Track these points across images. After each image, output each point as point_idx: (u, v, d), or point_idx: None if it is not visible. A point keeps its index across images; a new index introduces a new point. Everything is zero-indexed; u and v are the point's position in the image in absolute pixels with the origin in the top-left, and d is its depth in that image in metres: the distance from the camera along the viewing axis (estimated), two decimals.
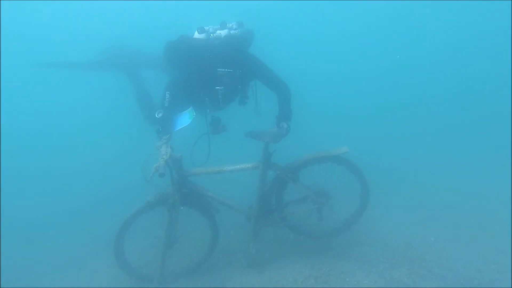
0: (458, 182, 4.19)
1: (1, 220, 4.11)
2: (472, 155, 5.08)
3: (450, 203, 3.69)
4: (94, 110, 8.50)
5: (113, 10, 9.62)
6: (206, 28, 2.54)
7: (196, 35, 2.54)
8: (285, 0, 10.14)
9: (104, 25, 8.78)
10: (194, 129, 2.54)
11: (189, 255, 2.72)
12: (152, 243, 3.00)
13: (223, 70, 2.41)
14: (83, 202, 4.71)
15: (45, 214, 4.47)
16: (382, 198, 3.66)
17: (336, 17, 10.98)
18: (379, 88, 9.71)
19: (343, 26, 11.11)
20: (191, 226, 2.63)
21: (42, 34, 9.63)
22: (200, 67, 2.46)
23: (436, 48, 10.14)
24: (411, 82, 9.68)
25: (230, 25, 2.54)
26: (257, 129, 2.50)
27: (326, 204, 2.65)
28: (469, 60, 9.58)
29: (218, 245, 2.67)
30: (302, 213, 2.70)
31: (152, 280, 2.57)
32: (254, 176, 2.52)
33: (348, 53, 10.88)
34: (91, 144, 7.22)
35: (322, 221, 2.67)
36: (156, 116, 2.38)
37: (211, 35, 2.50)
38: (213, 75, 2.44)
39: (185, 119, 2.51)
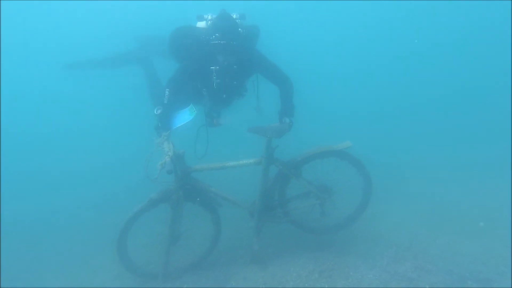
0: (461, 177, 4.18)
1: (1, 220, 4.11)
2: (475, 151, 5.07)
3: (453, 197, 3.67)
4: (95, 109, 8.55)
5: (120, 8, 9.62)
6: (206, 16, 2.55)
7: (199, 24, 2.56)
8: (290, 0, 10.21)
9: (112, 22, 8.81)
10: (192, 123, 2.55)
11: (192, 251, 2.72)
12: (154, 240, 3.00)
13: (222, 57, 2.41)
14: (85, 200, 4.72)
15: (48, 212, 4.48)
16: (385, 193, 3.66)
17: (343, 15, 11.02)
18: (381, 85, 9.73)
19: (348, 26, 11.17)
20: (193, 222, 2.62)
21: (45, 33, 9.70)
22: (200, 55, 2.47)
23: (437, 48, 10.16)
24: (412, 81, 9.71)
25: (234, 15, 2.55)
26: (259, 124, 2.50)
27: (328, 199, 2.64)
28: (469, 60, 9.60)
29: (220, 239, 2.68)
30: (305, 209, 2.69)
31: (156, 277, 2.57)
32: (257, 171, 2.52)
33: (349, 53, 10.92)
34: (93, 143, 7.24)
35: (324, 216, 2.67)
36: (155, 112, 2.39)
37: (209, 22, 2.51)
38: (211, 60, 2.45)
39: (186, 116, 2.52)
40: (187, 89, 2.60)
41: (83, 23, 9.80)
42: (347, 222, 2.85)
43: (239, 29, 2.42)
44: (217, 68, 2.45)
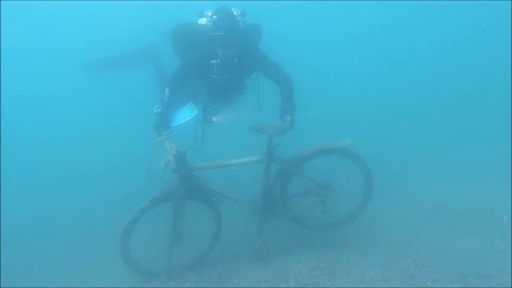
0: (461, 175, 4.17)
1: (1, 220, 4.14)
2: (476, 149, 5.06)
3: (453, 195, 3.67)
4: (97, 109, 8.59)
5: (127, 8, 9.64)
6: (206, 12, 2.57)
7: (200, 21, 2.58)
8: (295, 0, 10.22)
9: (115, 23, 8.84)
10: (190, 120, 2.56)
11: (195, 248, 2.74)
12: (156, 238, 3.02)
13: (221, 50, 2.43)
14: (88, 198, 4.76)
15: (53, 211, 4.52)
16: (385, 190, 3.66)
17: (347, 15, 11.03)
18: (384, 84, 9.74)
19: (351, 26, 11.19)
20: (194, 220, 2.64)
21: (45, 34, 9.73)
22: (200, 50, 2.49)
23: (437, 48, 10.16)
24: (413, 80, 9.71)
25: (235, 12, 2.57)
26: (261, 123, 2.51)
27: (330, 197, 2.65)
28: (469, 60, 9.58)
29: (222, 236, 2.70)
30: (306, 206, 2.71)
31: (159, 275, 2.60)
32: (258, 169, 2.53)
33: (348, 53, 10.93)
34: (96, 143, 7.29)
35: (326, 213, 2.68)
36: (155, 111, 2.41)
37: (209, 18, 2.54)
38: (211, 54, 2.46)
39: (185, 114, 2.53)
40: (187, 86, 2.62)
41: (88, 23, 9.83)
42: (348, 219, 2.86)
43: (239, 24, 2.43)
44: (218, 62, 2.46)
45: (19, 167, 6.20)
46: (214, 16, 2.46)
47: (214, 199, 2.56)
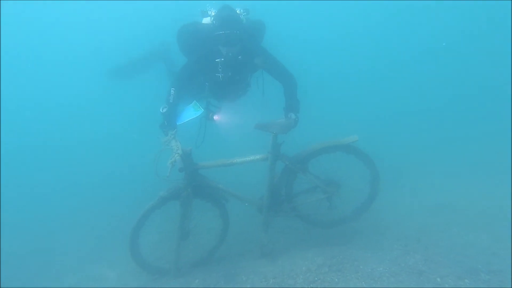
0: (465, 171, 4.11)
1: (1, 220, 4.23)
2: (479, 147, 4.98)
3: (461, 189, 3.63)
4: (104, 110, 8.70)
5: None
6: (209, 12, 2.59)
7: (204, 20, 2.60)
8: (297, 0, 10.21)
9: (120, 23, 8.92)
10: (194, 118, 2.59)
11: (202, 246, 2.77)
12: (164, 236, 3.06)
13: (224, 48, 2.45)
14: (97, 199, 4.83)
15: (61, 211, 4.62)
16: (390, 186, 3.63)
17: (352, 13, 10.99)
18: (387, 83, 9.68)
19: (352, 25, 11.14)
20: (201, 218, 2.67)
21: (46, 33, 9.85)
22: (205, 49, 2.51)
23: (437, 48, 10.07)
24: (414, 80, 9.63)
25: (238, 10, 2.58)
26: (265, 121, 2.52)
27: (336, 193, 2.65)
28: (469, 60, 9.46)
29: (229, 233, 2.72)
30: (312, 203, 2.70)
31: (167, 272, 2.63)
32: (264, 167, 2.53)
33: (351, 51, 10.87)
34: (104, 144, 7.39)
35: (332, 210, 2.68)
36: (161, 111, 2.43)
37: (213, 17, 2.55)
38: (215, 53, 2.49)
39: (190, 112, 2.55)
40: (191, 85, 2.64)
41: (90, 24, 9.93)
42: (354, 215, 2.85)
43: (242, 22, 2.44)
44: (222, 60, 2.48)
45: (30, 166, 6.33)
46: (217, 15, 2.48)
47: (221, 198, 2.58)
